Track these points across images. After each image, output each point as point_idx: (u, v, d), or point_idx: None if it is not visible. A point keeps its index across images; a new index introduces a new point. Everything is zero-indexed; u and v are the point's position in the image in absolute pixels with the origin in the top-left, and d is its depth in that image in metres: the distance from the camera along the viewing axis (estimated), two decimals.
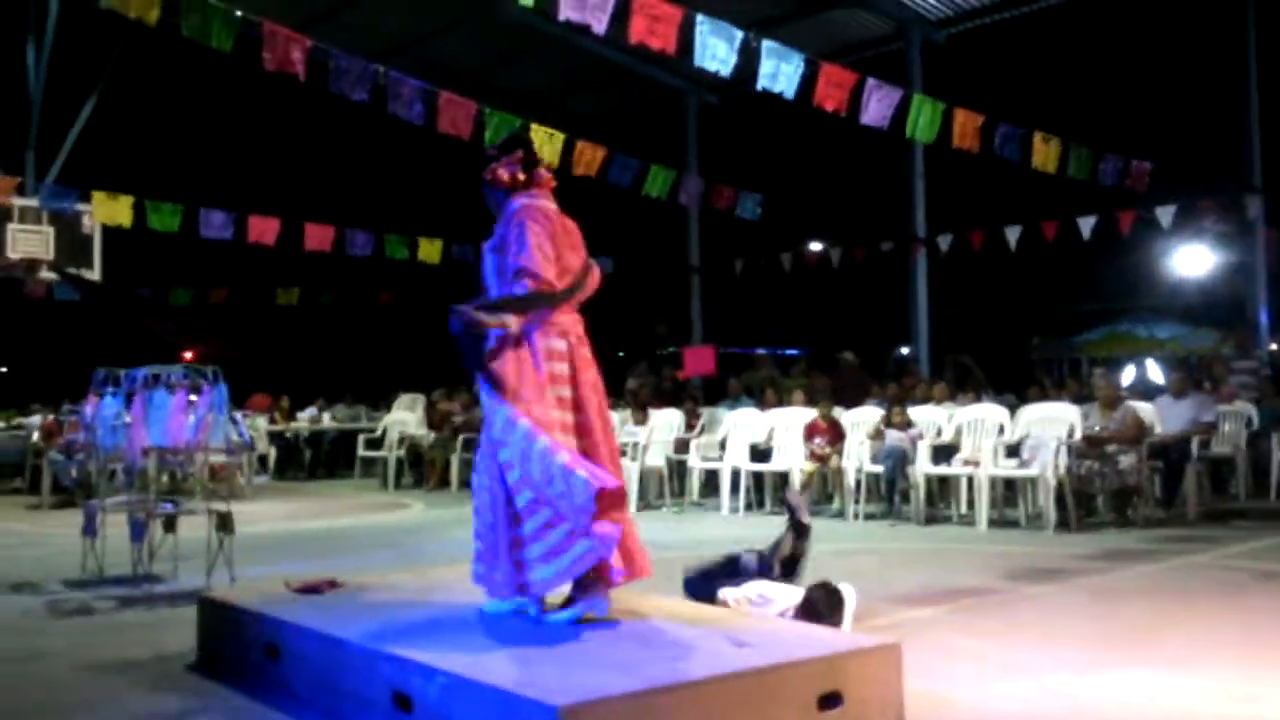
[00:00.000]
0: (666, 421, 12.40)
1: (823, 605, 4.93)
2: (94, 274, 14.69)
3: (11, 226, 13.91)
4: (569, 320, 4.50)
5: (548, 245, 4.42)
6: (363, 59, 10.69)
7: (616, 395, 15.41)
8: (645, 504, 11.57)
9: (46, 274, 14.43)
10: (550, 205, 4.62)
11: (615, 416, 12.78)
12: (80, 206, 14.05)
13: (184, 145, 23.27)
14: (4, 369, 29.20)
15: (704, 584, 5.32)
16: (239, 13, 9.51)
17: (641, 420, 12.39)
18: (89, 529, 6.76)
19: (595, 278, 4.71)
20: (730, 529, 9.71)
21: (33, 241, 14.05)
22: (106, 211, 13.65)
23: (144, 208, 13.81)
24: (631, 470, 11.55)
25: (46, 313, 18.41)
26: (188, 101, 21.99)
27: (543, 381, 4.29)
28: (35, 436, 13.39)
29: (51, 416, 13.67)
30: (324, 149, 22.92)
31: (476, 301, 4.37)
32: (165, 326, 14.93)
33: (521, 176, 4.62)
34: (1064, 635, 5.16)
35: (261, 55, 9.65)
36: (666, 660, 3.62)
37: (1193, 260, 20.61)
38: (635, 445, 11.71)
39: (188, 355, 15.08)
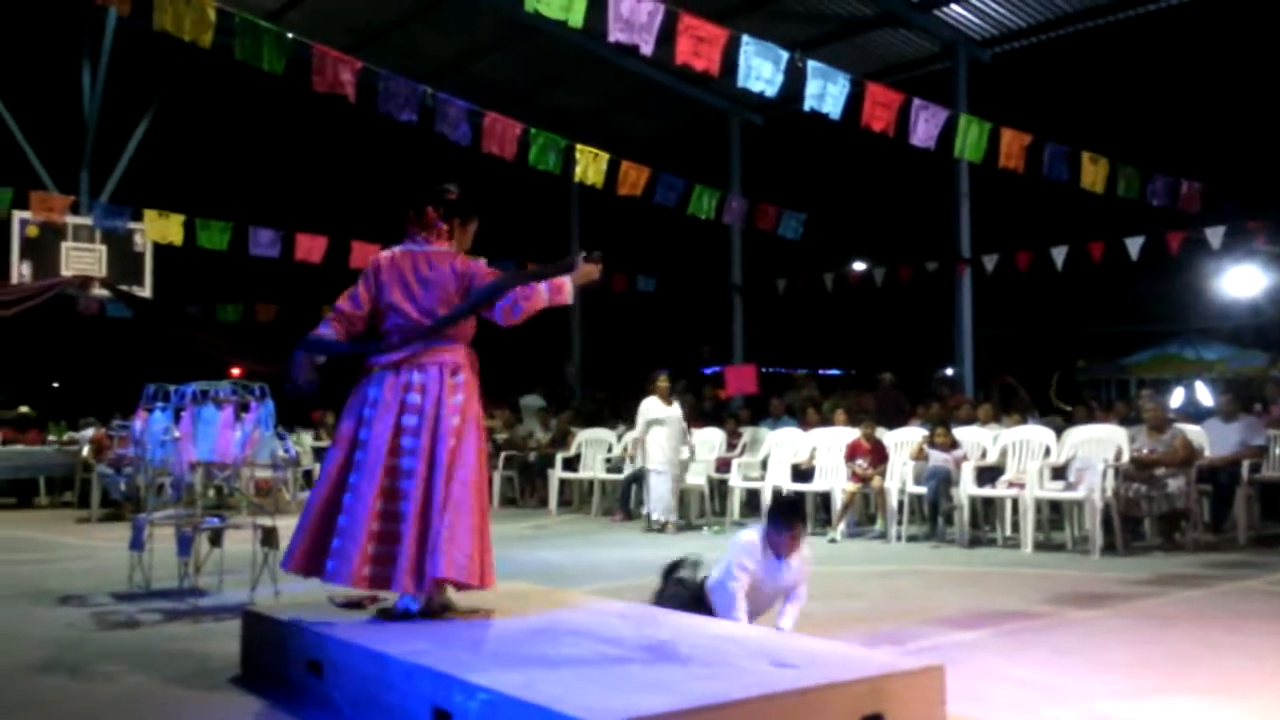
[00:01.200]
0: (708, 440, 12.38)
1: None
2: (145, 291, 14.92)
3: (66, 244, 14.18)
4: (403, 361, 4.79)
5: (356, 289, 4.96)
6: (411, 80, 10.82)
7: None
8: (686, 523, 11.54)
9: (99, 291, 14.68)
10: (407, 249, 4.97)
11: None
12: (133, 225, 14.30)
13: (234, 164, 23.59)
14: (56, 384, 29.65)
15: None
16: (290, 35, 9.65)
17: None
18: (136, 543, 6.85)
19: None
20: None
21: (86, 259, 14.32)
22: (158, 230, 13.88)
23: (194, 226, 14.02)
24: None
25: (99, 329, 18.71)
26: (238, 121, 22.32)
27: (349, 427, 4.80)
28: (85, 451, 13.59)
29: (102, 430, 13.87)
30: (370, 168, 23.16)
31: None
32: (216, 343, 15.12)
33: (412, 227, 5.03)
34: (1109, 661, 5.10)
35: (311, 77, 9.79)
36: (707, 679, 3.61)
37: (1243, 281, 20.32)
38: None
39: (236, 371, 15.26)
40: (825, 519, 10.96)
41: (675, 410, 11.59)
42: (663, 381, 11.65)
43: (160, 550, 6.85)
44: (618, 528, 11.73)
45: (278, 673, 4.63)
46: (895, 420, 12.41)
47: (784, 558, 5.30)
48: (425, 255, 4.89)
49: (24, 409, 15.36)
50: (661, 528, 11.11)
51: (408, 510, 4.57)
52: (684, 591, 5.49)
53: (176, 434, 7.03)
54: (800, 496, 5.32)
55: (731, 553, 5.36)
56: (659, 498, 11.24)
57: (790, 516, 5.41)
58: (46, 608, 6.66)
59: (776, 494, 6.13)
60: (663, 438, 11.31)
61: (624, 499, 12.51)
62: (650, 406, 11.45)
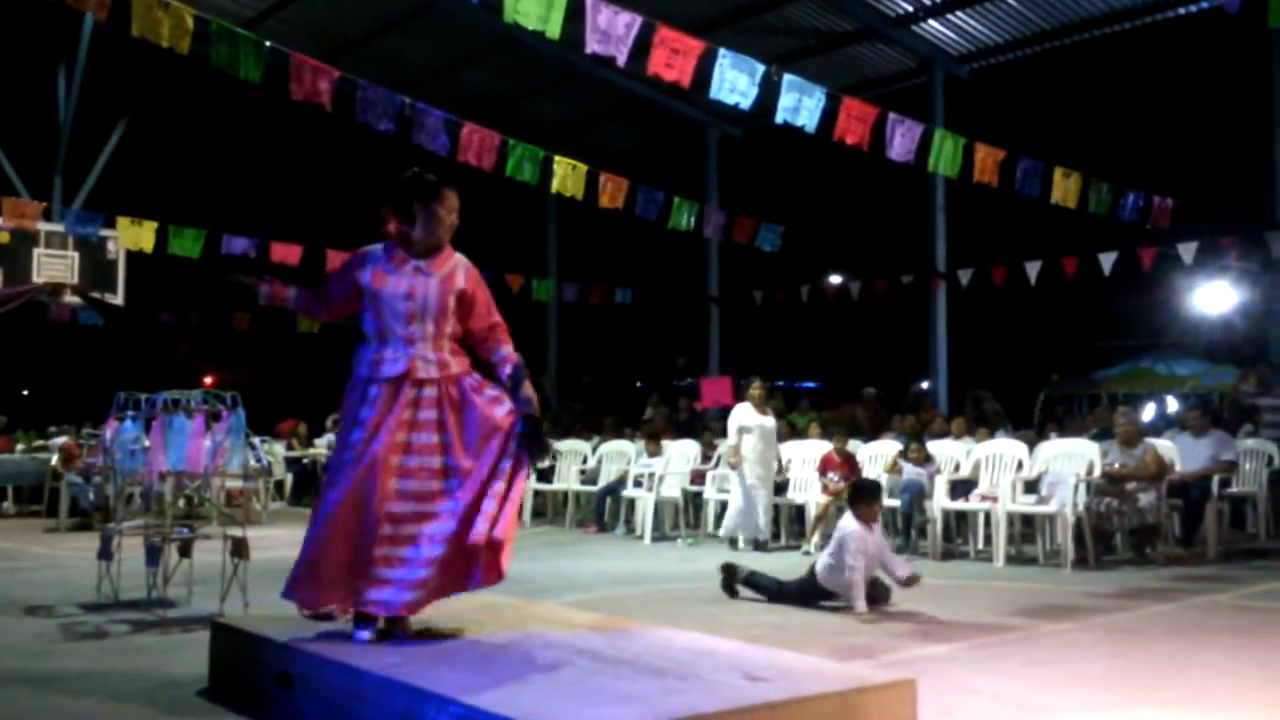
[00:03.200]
0: (683, 452, 12.37)
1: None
2: (117, 299, 14.83)
3: (38, 251, 14.09)
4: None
5: None
6: (389, 89, 10.80)
7: (634, 425, 15.44)
8: (660, 535, 11.53)
9: (71, 298, 14.58)
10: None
11: (631, 447, 12.84)
12: (105, 232, 14.21)
13: (208, 172, 23.48)
14: (26, 392, 29.38)
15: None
16: (268, 43, 9.62)
17: (655, 451, 12.32)
18: (104, 553, 6.78)
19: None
20: (744, 563, 9.65)
21: (58, 266, 14.23)
22: (130, 237, 13.78)
23: (167, 233, 13.92)
24: (647, 501, 11.52)
25: (70, 337, 18.57)
26: (213, 129, 22.21)
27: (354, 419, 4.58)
28: (55, 460, 13.46)
29: (71, 439, 13.74)
30: (346, 177, 23.10)
31: None
32: (187, 351, 15.04)
33: None
34: (1081, 674, 5.12)
35: (288, 85, 9.75)
36: (679, 693, 3.60)
37: (1214, 297, 20.51)
38: (650, 476, 11.67)
39: (208, 380, 15.17)
40: (799, 531, 10.98)
41: (769, 419, 10.77)
42: (756, 388, 10.78)
43: (129, 560, 6.79)
44: (592, 539, 11.70)
45: (247, 685, 4.59)
46: (873, 435, 12.46)
47: (871, 526, 6.93)
48: None
49: None
50: (760, 546, 10.39)
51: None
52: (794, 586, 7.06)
53: (146, 443, 6.97)
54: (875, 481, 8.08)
55: (846, 543, 6.80)
56: (748, 514, 10.44)
57: (876, 492, 7.34)
58: (12, 618, 6.58)
59: (857, 484, 7.72)
60: (751, 449, 10.51)
61: (599, 511, 12.48)
62: (742, 414, 10.64)
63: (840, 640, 5.85)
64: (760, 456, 10.54)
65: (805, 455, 11.14)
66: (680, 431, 14.13)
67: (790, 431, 12.63)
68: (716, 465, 11.96)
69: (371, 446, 4.46)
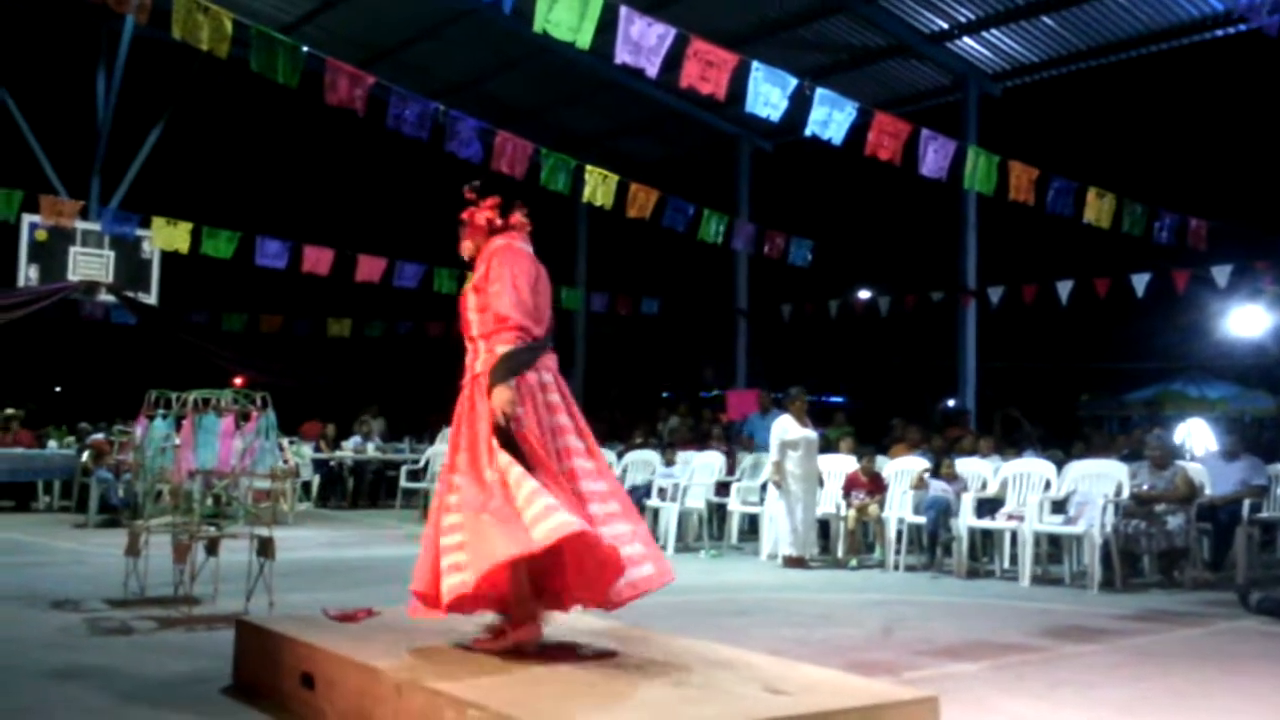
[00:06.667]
0: (707, 464, 12.34)
1: None
2: (151, 298, 14.98)
3: (74, 249, 14.26)
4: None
5: (528, 294, 4.53)
6: (422, 97, 10.88)
7: (661, 436, 15.43)
8: (683, 546, 11.50)
9: (105, 297, 14.74)
10: (528, 249, 4.75)
11: (656, 457, 12.81)
12: (141, 232, 14.37)
13: (243, 174, 23.68)
14: (59, 388, 29.66)
15: None
16: (305, 49, 9.72)
17: (671, 461, 12.23)
18: (132, 549, 6.84)
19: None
20: (767, 575, 9.64)
21: (93, 264, 14.40)
22: (165, 237, 13.95)
23: (201, 234, 14.06)
24: (670, 511, 11.47)
25: (103, 335, 18.77)
26: (249, 132, 22.42)
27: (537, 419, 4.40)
28: (85, 456, 13.56)
29: (103, 436, 13.84)
30: (379, 182, 23.23)
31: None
32: (219, 352, 15.17)
33: (498, 221, 4.77)
34: (1105, 698, 5.07)
35: (324, 91, 9.86)
36: (698, 703, 3.60)
37: (1248, 321, 20.33)
38: (674, 486, 11.61)
39: (238, 381, 15.29)
40: (824, 544, 10.93)
41: (813, 431, 10.52)
42: (801, 400, 10.51)
43: (156, 557, 6.84)
44: None
45: (270, 684, 4.62)
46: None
47: None
48: (532, 254, 4.79)
49: (10, 410, 15.15)
50: (798, 562, 10.01)
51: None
52: None
53: (176, 441, 7.03)
54: None
55: None
56: (791, 529, 10.08)
57: None
58: (40, 611, 6.64)
59: None
60: (795, 463, 10.23)
61: None
62: (785, 426, 10.31)
63: (863, 656, 5.83)
64: (806, 470, 10.30)
65: (831, 469, 11.10)
66: (704, 443, 14.10)
67: (822, 445, 12.59)
68: (741, 477, 11.93)
69: None
